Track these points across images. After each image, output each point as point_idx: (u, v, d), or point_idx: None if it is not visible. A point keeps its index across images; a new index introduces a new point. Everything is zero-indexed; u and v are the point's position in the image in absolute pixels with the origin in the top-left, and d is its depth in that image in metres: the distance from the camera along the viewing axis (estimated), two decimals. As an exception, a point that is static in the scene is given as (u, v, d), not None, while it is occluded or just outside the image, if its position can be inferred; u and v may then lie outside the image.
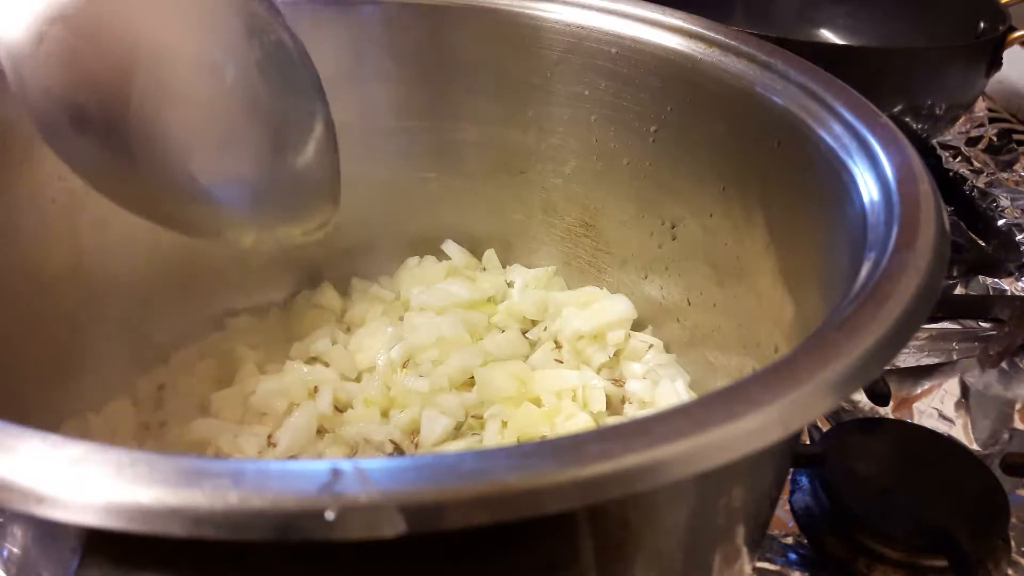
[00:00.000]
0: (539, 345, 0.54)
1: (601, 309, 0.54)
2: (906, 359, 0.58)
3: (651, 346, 0.53)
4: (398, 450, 0.48)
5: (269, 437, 0.48)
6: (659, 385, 0.51)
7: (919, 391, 0.57)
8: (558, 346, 0.54)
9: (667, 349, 0.54)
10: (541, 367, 0.52)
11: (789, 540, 0.47)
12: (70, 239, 0.47)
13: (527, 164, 0.55)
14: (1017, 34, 0.75)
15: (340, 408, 0.50)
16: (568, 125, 0.53)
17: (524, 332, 0.56)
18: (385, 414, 0.50)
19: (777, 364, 0.25)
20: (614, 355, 0.54)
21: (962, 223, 0.76)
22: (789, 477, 0.49)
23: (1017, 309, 0.61)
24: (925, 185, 0.33)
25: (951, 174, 0.81)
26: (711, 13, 0.48)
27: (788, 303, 0.42)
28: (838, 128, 0.38)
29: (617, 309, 0.54)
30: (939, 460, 0.48)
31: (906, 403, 0.56)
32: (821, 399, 0.24)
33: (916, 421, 0.55)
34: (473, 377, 0.51)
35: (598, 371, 0.53)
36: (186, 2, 0.39)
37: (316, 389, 0.50)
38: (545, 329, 0.55)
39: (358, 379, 0.52)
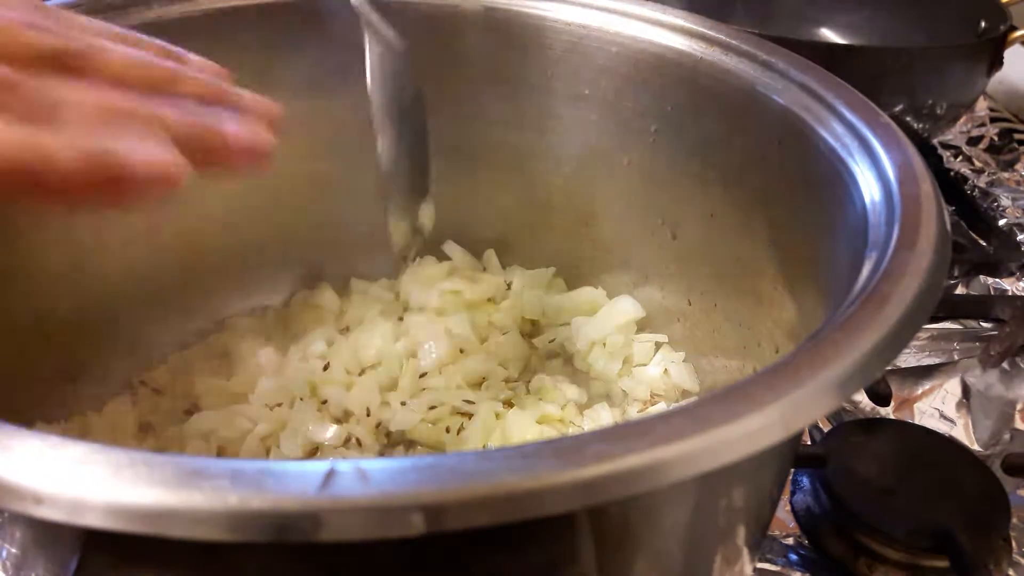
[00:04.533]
0: (547, 359, 0.54)
1: (609, 313, 0.54)
2: (907, 359, 0.58)
3: (659, 345, 0.53)
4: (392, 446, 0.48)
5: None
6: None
7: (920, 391, 0.57)
8: (568, 359, 0.54)
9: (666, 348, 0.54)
10: (551, 387, 0.52)
11: (790, 541, 0.47)
12: (69, 239, 0.47)
13: (527, 164, 0.55)
14: (1018, 33, 0.75)
15: (339, 410, 0.50)
16: (568, 124, 0.53)
17: (523, 333, 0.56)
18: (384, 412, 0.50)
19: (778, 364, 0.24)
20: (624, 361, 0.53)
21: (963, 223, 0.76)
22: (790, 478, 0.49)
23: (1018, 309, 0.61)
24: (926, 185, 0.33)
25: (952, 174, 0.81)
26: (711, 12, 0.48)
27: (789, 303, 0.42)
28: (839, 127, 0.38)
29: (625, 311, 0.54)
30: (940, 460, 0.48)
31: (907, 403, 0.56)
32: (822, 400, 0.24)
33: (917, 421, 0.55)
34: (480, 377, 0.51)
35: (618, 378, 0.53)
36: None
37: (315, 389, 0.50)
38: (552, 341, 0.55)
39: (361, 373, 0.52)
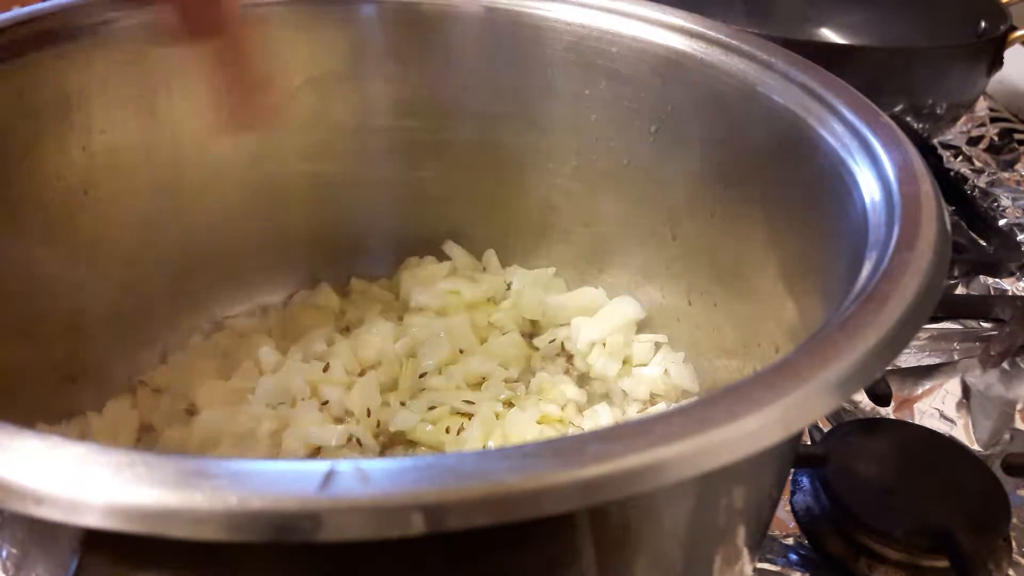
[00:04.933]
0: (548, 359, 0.54)
1: (609, 313, 0.54)
2: (907, 359, 0.58)
3: (659, 345, 0.53)
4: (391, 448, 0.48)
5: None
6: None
7: (920, 391, 0.57)
8: (568, 359, 0.54)
9: (666, 348, 0.54)
10: (551, 387, 0.52)
11: (790, 541, 0.47)
12: (69, 238, 0.47)
13: (527, 164, 0.55)
14: (1018, 34, 0.75)
15: (339, 410, 0.50)
16: (568, 125, 0.53)
17: (523, 333, 0.56)
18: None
19: (778, 364, 0.24)
20: (624, 361, 0.53)
21: (963, 223, 0.76)
22: (790, 478, 0.49)
23: (1018, 309, 0.61)
24: (926, 185, 0.33)
25: (952, 174, 0.81)
26: (712, 12, 0.48)
27: (789, 303, 0.42)
28: (839, 128, 0.38)
29: (625, 312, 0.54)
30: (940, 461, 0.48)
31: (907, 403, 0.56)
32: (822, 399, 0.24)
33: (917, 421, 0.55)
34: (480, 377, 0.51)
35: (618, 378, 0.53)
36: None
37: (315, 389, 0.50)
38: (552, 341, 0.55)
39: (362, 373, 0.52)
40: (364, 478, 0.20)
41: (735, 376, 0.48)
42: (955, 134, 0.87)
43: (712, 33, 0.45)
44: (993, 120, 0.90)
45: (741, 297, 0.47)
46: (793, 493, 0.48)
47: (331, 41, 0.52)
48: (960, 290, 0.67)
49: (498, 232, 0.59)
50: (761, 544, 0.41)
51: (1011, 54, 0.75)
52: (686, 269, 0.51)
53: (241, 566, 0.23)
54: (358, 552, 0.22)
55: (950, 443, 0.50)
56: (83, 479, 0.20)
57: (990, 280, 0.67)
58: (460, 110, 0.55)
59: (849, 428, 0.50)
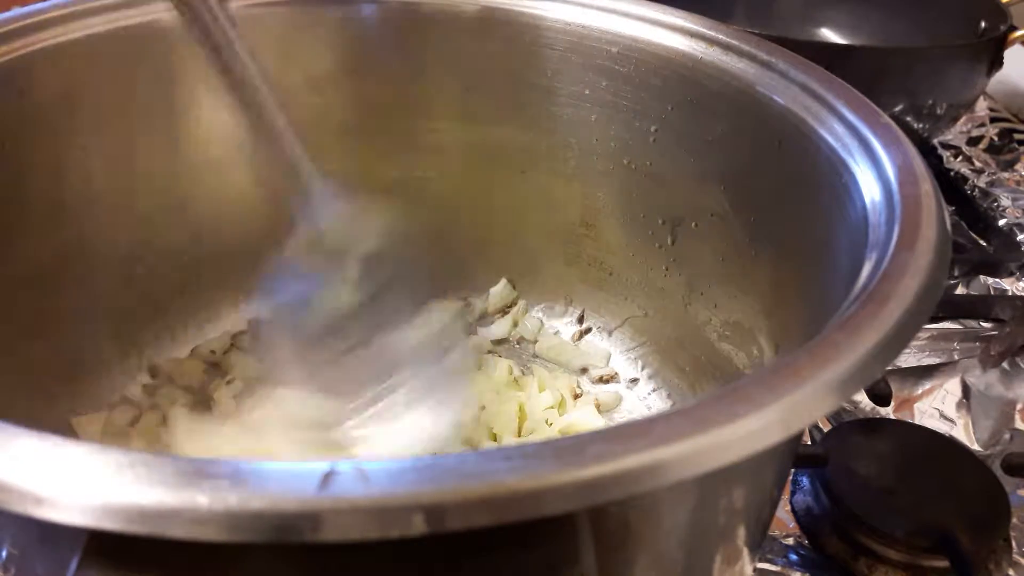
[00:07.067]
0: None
1: None
2: (907, 359, 0.58)
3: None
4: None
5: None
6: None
7: (920, 391, 0.57)
8: None
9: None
10: None
11: (790, 541, 0.47)
12: (70, 243, 0.47)
13: (527, 164, 0.55)
14: (1018, 34, 0.75)
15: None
16: (568, 125, 0.53)
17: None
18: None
19: (778, 364, 0.24)
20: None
21: (963, 223, 0.76)
22: (790, 478, 0.49)
23: (1018, 309, 0.61)
24: (926, 185, 0.33)
25: (952, 174, 0.81)
26: (712, 12, 0.48)
27: (789, 303, 0.42)
28: (839, 128, 0.38)
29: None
30: (940, 460, 0.48)
31: (907, 403, 0.56)
32: (822, 400, 0.24)
33: (917, 421, 0.55)
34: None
35: None
36: None
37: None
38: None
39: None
40: (364, 478, 0.20)
41: (734, 377, 0.48)
42: (955, 134, 0.87)
43: (712, 33, 0.45)
44: (993, 120, 0.90)
45: (741, 297, 0.47)
46: (793, 493, 0.48)
47: (331, 41, 0.52)
48: (960, 290, 0.67)
49: (498, 233, 0.59)
50: (761, 544, 0.41)
51: (1011, 54, 0.75)
52: (686, 269, 0.51)
53: (241, 566, 0.23)
54: (358, 552, 0.22)
55: (950, 443, 0.50)
56: (83, 479, 0.20)
57: (990, 280, 0.67)
58: (460, 110, 0.55)
59: (849, 428, 0.50)
